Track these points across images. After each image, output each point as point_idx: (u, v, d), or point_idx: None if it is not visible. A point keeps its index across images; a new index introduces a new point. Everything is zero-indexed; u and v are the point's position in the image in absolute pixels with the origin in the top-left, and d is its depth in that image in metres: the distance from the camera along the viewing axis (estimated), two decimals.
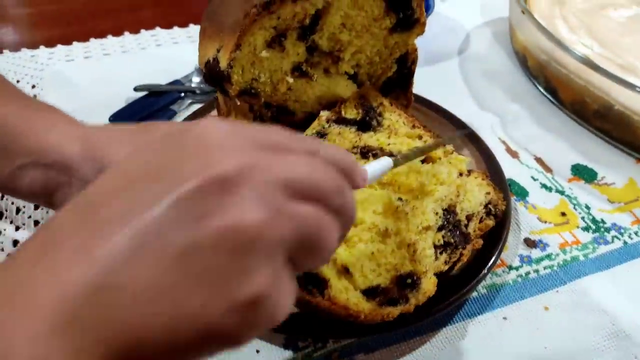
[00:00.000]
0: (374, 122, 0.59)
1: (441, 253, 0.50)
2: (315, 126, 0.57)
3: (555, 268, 0.59)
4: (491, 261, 0.54)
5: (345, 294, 0.45)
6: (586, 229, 0.63)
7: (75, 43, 0.89)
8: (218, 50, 0.50)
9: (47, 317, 0.24)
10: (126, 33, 0.92)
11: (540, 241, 0.62)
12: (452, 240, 0.51)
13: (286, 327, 0.47)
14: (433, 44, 0.93)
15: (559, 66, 0.75)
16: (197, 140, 0.29)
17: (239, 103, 0.53)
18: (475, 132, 0.69)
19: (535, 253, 0.61)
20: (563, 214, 0.65)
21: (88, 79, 0.83)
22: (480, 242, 0.53)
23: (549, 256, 0.60)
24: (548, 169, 0.71)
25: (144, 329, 0.25)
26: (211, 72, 0.51)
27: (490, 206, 0.55)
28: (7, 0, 1.01)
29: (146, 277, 0.25)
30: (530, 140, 0.75)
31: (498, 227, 0.56)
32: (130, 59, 0.87)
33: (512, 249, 0.61)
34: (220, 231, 0.26)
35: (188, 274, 0.26)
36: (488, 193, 0.57)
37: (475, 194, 0.56)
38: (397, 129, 0.59)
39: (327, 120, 0.58)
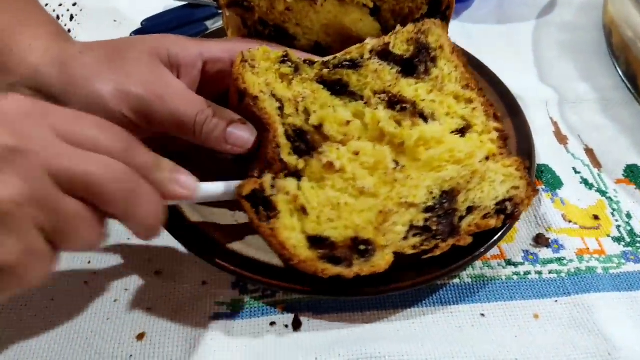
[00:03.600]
0: (422, 68, 0.50)
1: (415, 235, 0.44)
2: (352, 51, 0.49)
3: (563, 275, 0.51)
4: (481, 250, 0.46)
5: (289, 233, 0.41)
6: (618, 240, 0.54)
7: None
8: None
9: None
10: None
11: (556, 241, 0.53)
12: (434, 227, 0.44)
13: (239, 268, 0.45)
14: (510, 1, 0.82)
15: None
16: None
17: (228, 14, 0.48)
18: (518, 103, 0.60)
19: (545, 253, 0.52)
20: (596, 217, 0.55)
21: None
22: (469, 240, 0.44)
23: (560, 260, 0.52)
24: (597, 164, 0.61)
25: None
26: None
27: (507, 204, 0.46)
28: None
29: None
30: (587, 128, 0.64)
31: None
32: None
33: (519, 243, 0.53)
34: None
35: None
36: (516, 187, 0.46)
37: (495, 187, 0.46)
38: (445, 85, 0.50)
39: (371, 51, 0.49)
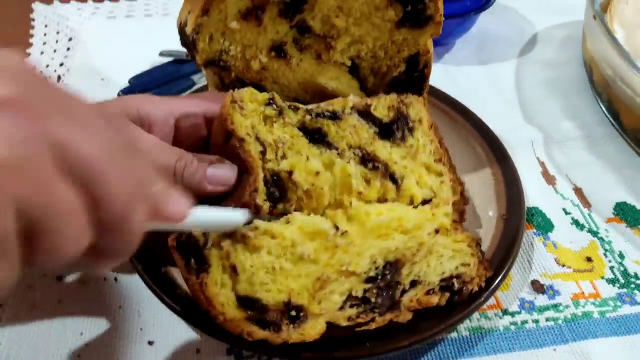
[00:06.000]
0: (398, 134, 0.51)
1: (351, 306, 0.43)
2: (335, 104, 0.50)
3: (559, 322, 0.50)
4: (478, 301, 0.46)
5: (218, 289, 0.40)
6: (612, 281, 0.54)
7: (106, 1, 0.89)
8: (189, 13, 0.46)
9: None
10: None
11: (551, 287, 0.53)
12: (373, 299, 0.43)
13: (229, 335, 0.44)
14: (491, 41, 0.83)
15: (624, 85, 0.64)
16: None
17: (204, 73, 0.49)
18: (505, 148, 0.60)
19: (541, 300, 0.52)
20: (589, 259, 0.55)
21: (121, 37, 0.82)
22: (409, 316, 0.44)
23: (556, 306, 0.52)
24: (586, 203, 0.61)
25: None
26: (182, 37, 0.48)
27: (455, 280, 0.45)
28: None
29: None
30: (574, 166, 0.65)
31: (501, 260, 0.49)
32: (156, 23, 0.86)
33: (514, 291, 0.53)
34: None
35: None
36: (465, 264, 0.46)
37: (443, 262, 0.46)
38: (418, 154, 0.51)
39: (352, 107, 0.50)
